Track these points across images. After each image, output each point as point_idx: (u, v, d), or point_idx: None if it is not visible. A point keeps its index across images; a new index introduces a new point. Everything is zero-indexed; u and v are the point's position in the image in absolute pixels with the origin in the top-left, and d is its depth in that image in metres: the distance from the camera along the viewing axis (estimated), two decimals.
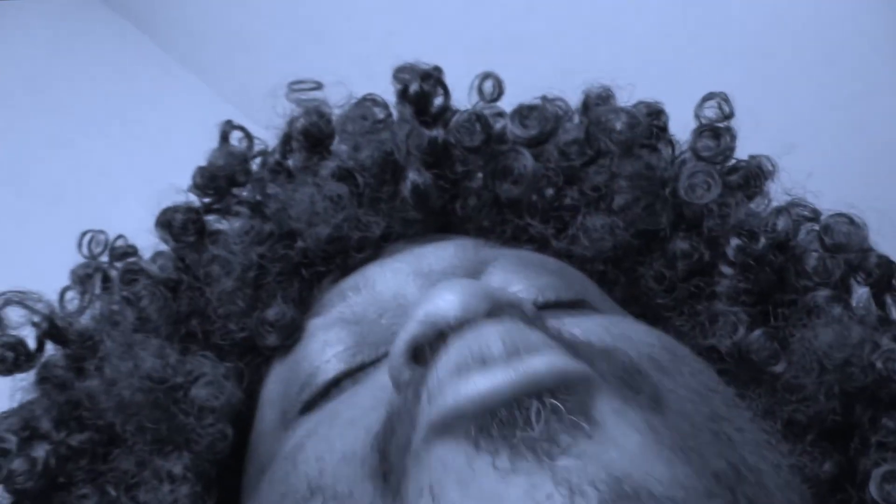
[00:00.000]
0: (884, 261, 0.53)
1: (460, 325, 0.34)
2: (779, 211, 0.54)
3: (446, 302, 0.35)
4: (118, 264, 0.57)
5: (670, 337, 0.44)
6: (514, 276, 0.47)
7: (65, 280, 0.57)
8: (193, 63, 1.33)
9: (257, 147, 0.60)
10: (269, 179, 0.56)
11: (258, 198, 0.55)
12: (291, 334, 0.48)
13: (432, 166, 0.54)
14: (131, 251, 0.57)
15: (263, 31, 1.23)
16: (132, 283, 0.52)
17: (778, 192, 0.55)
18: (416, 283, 0.47)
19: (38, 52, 1.31)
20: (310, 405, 0.44)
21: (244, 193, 0.57)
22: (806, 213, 0.54)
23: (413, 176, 0.52)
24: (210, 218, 0.57)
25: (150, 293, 0.50)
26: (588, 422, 0.29)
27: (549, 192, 0.54)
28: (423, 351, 0.35)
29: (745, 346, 0.49)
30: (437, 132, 0.54)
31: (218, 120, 0.61)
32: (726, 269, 0.51)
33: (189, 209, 0.54)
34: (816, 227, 0.53)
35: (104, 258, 0.58)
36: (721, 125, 0.56)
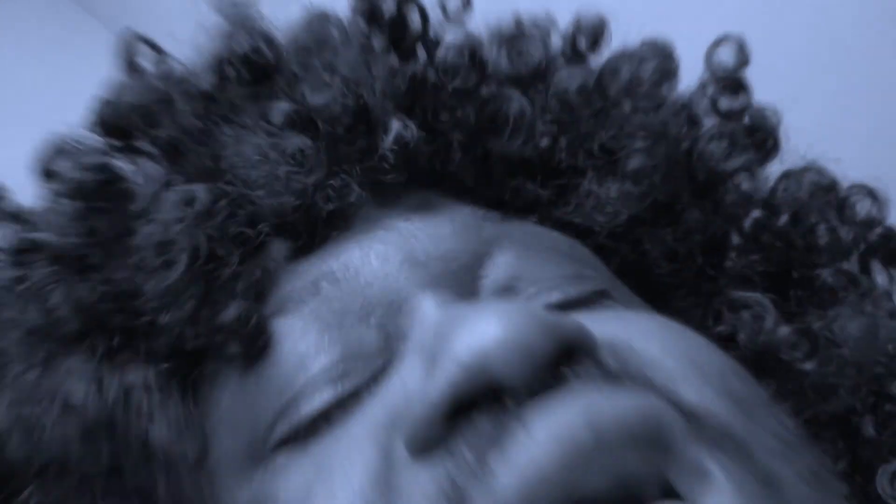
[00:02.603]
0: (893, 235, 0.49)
1: (527, 380, 0.28)
2: (793, 176, 0.48)
3: (499, 342, 0.28)
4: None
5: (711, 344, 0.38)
6: (526, 264, 0.39)
7: None
8: None
9: (174, 70, 0.46)
10: (199, 118, 0.43)
11: (191, 145, 0.43)
12: (256, 341, 0.38)
13: (411, 113, 0.43)
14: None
15: None
16: (29, 265, 0.39)
17: (787, 155, 0.50)
18: (411, 275, 0.38)
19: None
20: (289, 440, 0.35)
21: (165, 133, 0.44)
22: (821, 181, 0.49)
23: (397, 127, 0.41)
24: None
25: (60, 283, 0.38)
26: None
27: (546, 146, 0.45)
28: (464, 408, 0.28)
29: (774, 344, 0.43)
30: (416, 67, 0.44)
31: None
32: (740, 245, 0.46)
33: (103, 165, 0.41)
34: (832, 199, 0.48)
35: None
36: (739, 76, 0.48)
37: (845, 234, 0.47)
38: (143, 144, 0.43)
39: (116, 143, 0.43)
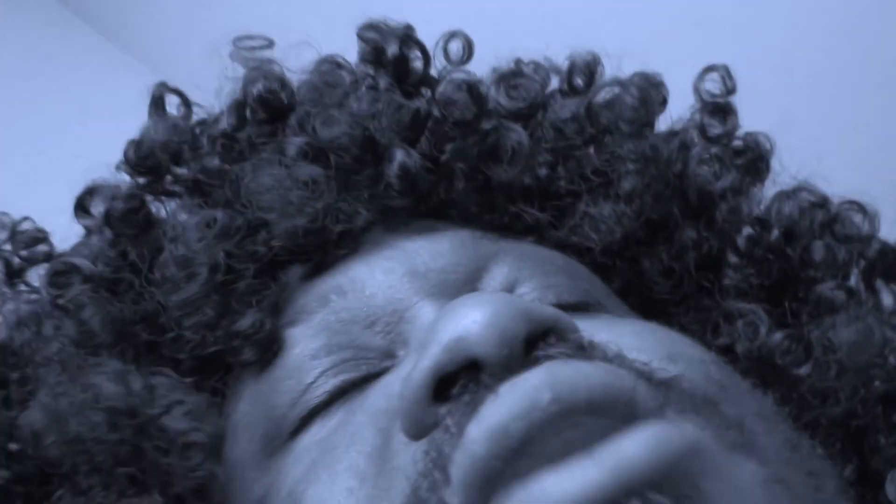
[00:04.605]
0: (889, 249, 0.50)
1: (500, 356, 0.29)
2: (785, 196, 0.51)
3: (477, 324, 0.30)
4: (24, 253, 0.47)
5: (694, 341, 0.40)
6: (519, 273, 0.42)
7: None
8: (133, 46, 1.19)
9: (197, 116, 0.51)
10: (221, 156, 0.47)
11: (212, 180, 0.46)
12: (269, 347, 0.41)
13: (415, 144, 0.47)
14: (41, 236, 0.48)
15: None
16: (66, 287, 0.43)
17: (781, 175, 0.52)
18: (412, 286, 0.41)
19: None
20: (300, 428, 0.38)
21: (189, 172, 0.48)
22: (813, 199, 0.51)
23: (401, 157, 0.45)
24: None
25: (91, 300, 0.41)
26: None
27: (544, 173, 0.48)
28: (450, 385, 0.30)
29: (767, 350, 0.45)
30: (420, 103, 0.47)
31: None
32: (736, 261, 0.48)
33: (132, 195, 0.45)
34: (823, 215, 0.50)
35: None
36: (725, 101, 0.51)
37: (839, 250, 0.49)
38: (169, 181, 0.47)
39: (145, 180, 0.48)
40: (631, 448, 0.24)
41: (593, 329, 0.34)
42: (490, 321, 0.30)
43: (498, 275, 0.42)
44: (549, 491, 0.24)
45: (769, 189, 0.52)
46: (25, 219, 0.49)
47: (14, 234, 0.49)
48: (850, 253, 0.49)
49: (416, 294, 0.40)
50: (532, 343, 0.31)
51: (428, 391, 0.30)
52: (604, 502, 0.23)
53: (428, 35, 0.52)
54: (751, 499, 0.26)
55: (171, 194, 0.47)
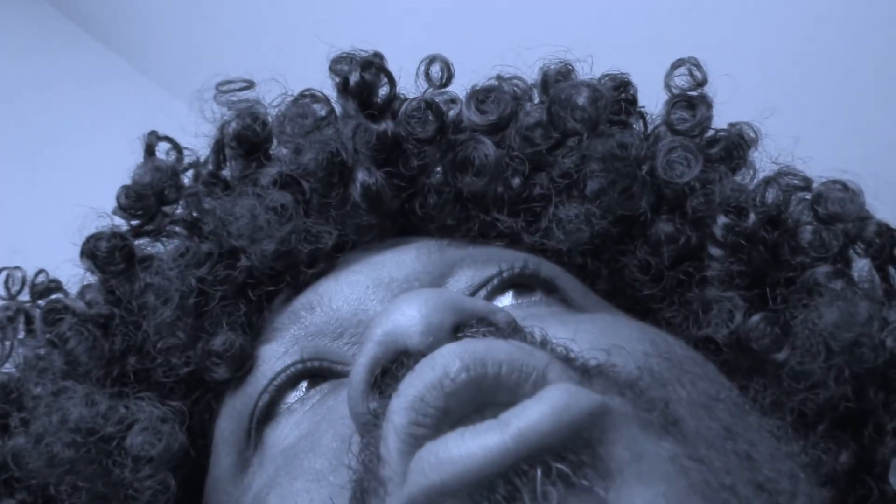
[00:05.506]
0: (884, 229, 0.48)
1: (425, 344, 0.30)
2: (767, 182, 0.50)
3: (406, 317, 0.31)
4: (41, 302, 0.51)
5: (662, 334, 0.39)
6: (484, 274, 0.43)
7: None
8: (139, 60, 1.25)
9: (188, 158, 0.54)
10: (203, 193, 0.50)
11: (194, 214, 0.49)
12: (241, 365, 0.43)
13: (384, 164, 0.48)
14: (54, 286, 0.52)
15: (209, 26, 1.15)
16: (56, 323, 0.46)
17: (764, 160, 0.51)
18: (376, 296, 0.43)
19: None
20: (258, 438, 0.40)
21: (177, 211, 0.51)
22: (796, 181, 0.50)
23: (363, 176, 0.47)
24: (141, 242, 0.51)
25: (76, 333, 0.44)
26: (604, 478, 0.24)
27: (516, 182, 0.48)
28: (386, 377, 0.31)
29: (744, 335, 0.44)
30: (386, 125, 0.49)
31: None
32: (715, 252, 0.47)
33: (114, 235, 0.48)
34: (808, 197, 0.49)
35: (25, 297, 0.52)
36: (694, 93, 0.51)
37: (827, 232, 0.48)
38: (160, 220, 0.50)
39: (137, 221, 0.51)
40: (535, 413, 0.25)
41: (539, 320, 0.35)
42: (417, 313, 0.31)
43: (462, 278, 0.43)
44: (453, 452, 0.25)
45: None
46: (40, 271, 0.53)
47: (31, 286, 0.52)
48: (843, 234, 0.48)
49: (381, 303, 0.42)
50: (461, 332, 0.32)
51: (366, 385, 0.31)
52: (504, 465, 0.24)
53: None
54: (656, 471, 0.25)
55: (162, 233, 0.50)
